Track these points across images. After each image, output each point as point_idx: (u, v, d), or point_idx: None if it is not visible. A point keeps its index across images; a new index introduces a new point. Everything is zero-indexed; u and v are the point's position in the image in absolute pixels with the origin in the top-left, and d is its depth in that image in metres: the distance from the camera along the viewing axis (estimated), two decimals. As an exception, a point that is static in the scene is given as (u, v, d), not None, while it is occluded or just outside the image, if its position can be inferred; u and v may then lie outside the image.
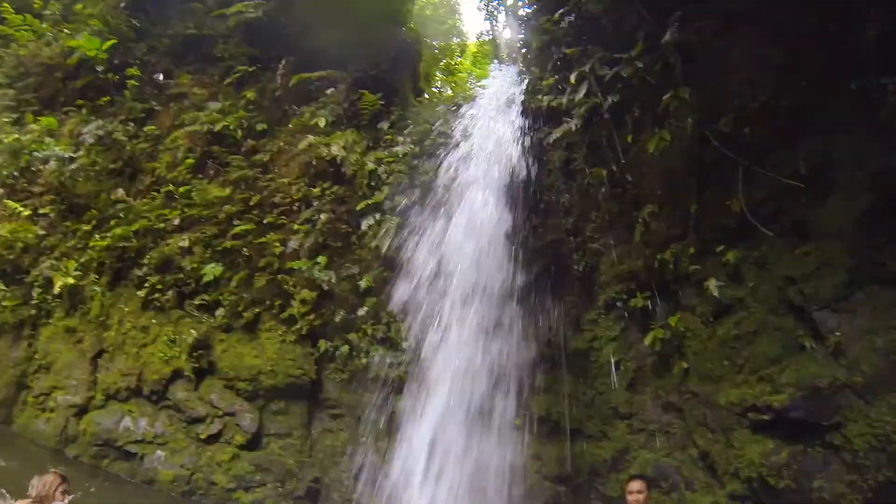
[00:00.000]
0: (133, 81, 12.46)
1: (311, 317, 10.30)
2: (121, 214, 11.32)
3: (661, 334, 8.13)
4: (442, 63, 14.59)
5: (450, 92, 12.75)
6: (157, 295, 10.78)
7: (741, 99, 7.46)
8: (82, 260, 11.16)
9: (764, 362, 7.19)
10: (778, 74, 7.21)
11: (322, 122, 11.36)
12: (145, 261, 10.98)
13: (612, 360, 8.79)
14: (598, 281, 9.28)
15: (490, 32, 16.94)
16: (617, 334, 8.92)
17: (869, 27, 6.42)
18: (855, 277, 6.64)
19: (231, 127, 11.69)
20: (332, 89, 11.75)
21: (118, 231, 11.05)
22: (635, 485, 7.15)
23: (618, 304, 8.94)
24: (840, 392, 6.51)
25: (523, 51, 11.70)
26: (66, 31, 13.29)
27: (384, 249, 10.27)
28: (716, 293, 7.55)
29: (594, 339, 9.13)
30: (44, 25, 13.68)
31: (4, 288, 11.22)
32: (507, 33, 15.70)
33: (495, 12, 15.97)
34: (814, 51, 6.90)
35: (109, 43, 12.32)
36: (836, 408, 6.50)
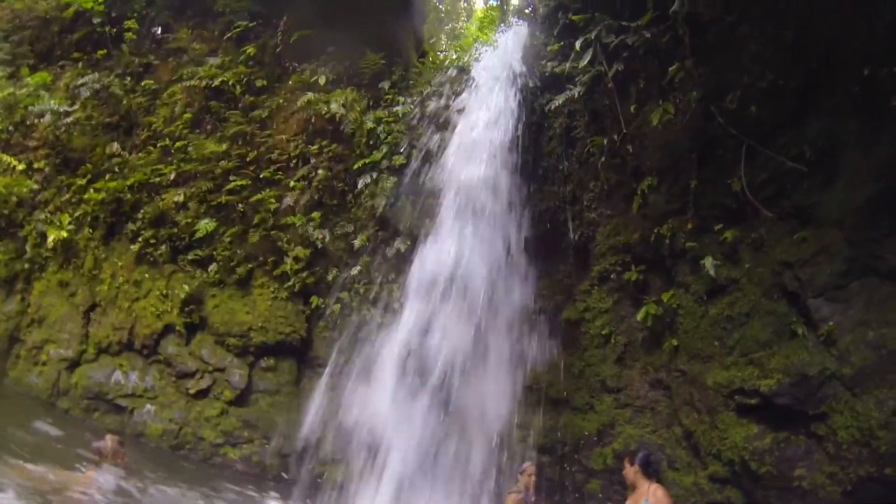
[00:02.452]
0: (130, 35, 12.28)
1: (304, 274, 10.29)
2: (116, 169, 11.29)
3: (654, 310, 8.07)
4: (447, 26, 14.24)
5: (454, 55, 12.44)
6: (150, 249, 10.79)
7: (749, 77, 7.25)
8: (76, 214, 11.19)
9: (754, 345, 7.11)
10: (788, 54, 6.99)
11: (322, 80, 11.18)
12: (139, 215, 10.97)
13: (603, 333, 8.74)
14: (593, 251, 9.19)
15: (498, -2, 16.55)
16: (609, 307, 8.86)
17: (884, 13, 6.18)
18: (852, 267, 6.51)
19: (230, 82, 11.55)
20: (334, 47, 11.51)
21: (113, 185, 11.00)
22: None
23: (612, 276, 8.87)
24: (828, 382, 6.43)
25: (530, 17, 11.39)
26: (62, -17, 13.01)
27: (379, 209, 10.18)
28: (712, 272, 7.45)
29: (586, 311, 9.07)
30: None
31: (-2, 242, 11.23)
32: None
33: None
34: (826, 33, 6.67)
35: (106, -5, 12.10)
36: (823, 397, 6.43)
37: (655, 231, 8.17)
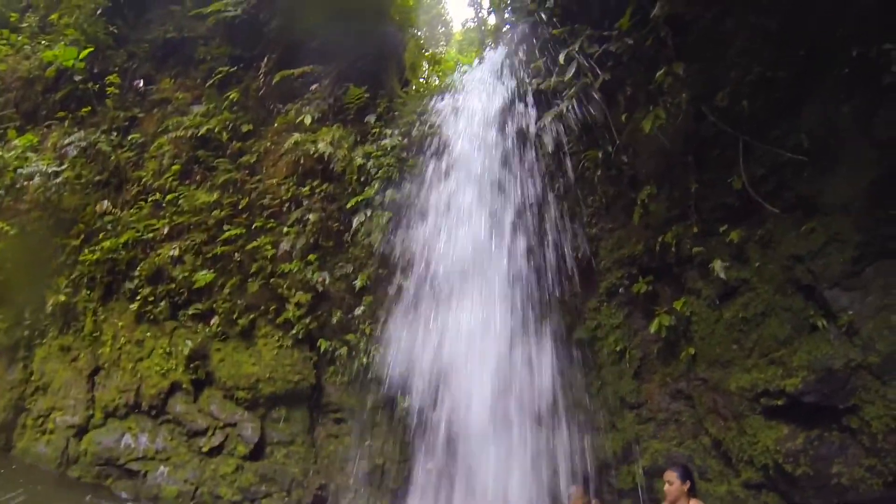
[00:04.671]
0: (113, 89, 12.26)
1: (307, 320, 10.06)
2: (108, 227, 11.19)
3: (666, 320, 7.86)
4: (427, 53, 14.22)
5: (436, 81, 12.38)
6: (149, 307, 10.62)
7: (737, 71, 7.14)
8: (72, 276, 11.06)
9: (774, 344, 6.92)
10: (774, 45, 6.89)
11: (308, 119, 11.05)
12: (136, 273, 10.83)
13: (617, 349, 8.53)
14: (598, 267, 8.99)
15: (475, 19, 16.61)
16: (620, 322, 8.63)
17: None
18: (865, 252, 6.35)
19: (216, 130, 11.46)
20: (316, 85, 11.45)
21: (107, 244, 10.90)
22: (666, 475, 6.87)
23: (619, 290, 8.67)
24: (855, 373, 6.23)
25: (509, 35, 11.35)
26: (43, 42, 13.07)
27: (377, 246, 10.02)
28: (722, 275, 7.26)
29: (597, 328, 8.84)
30: (21, 39, 13.48)
31: (-5, 309, 11.08)
32: (492, 18, 15.34)
33: (479, -2, 15.64)
34: (811, 18, 6.58)
35: (86, 52, 12.15)
36: (852, 390, 6.23)
37: (660, 240, 7.99)
